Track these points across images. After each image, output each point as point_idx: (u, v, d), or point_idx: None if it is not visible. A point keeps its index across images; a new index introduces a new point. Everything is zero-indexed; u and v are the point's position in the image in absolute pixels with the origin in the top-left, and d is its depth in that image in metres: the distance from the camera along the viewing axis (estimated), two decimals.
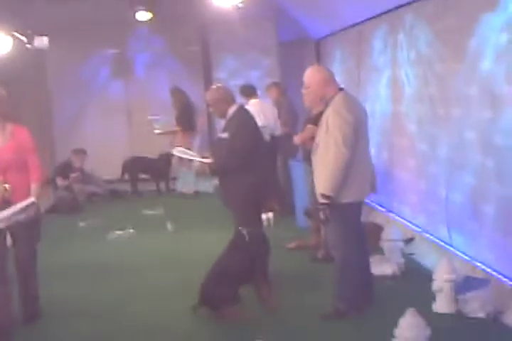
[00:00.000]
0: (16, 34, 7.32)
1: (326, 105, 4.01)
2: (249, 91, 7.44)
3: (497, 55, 4.12)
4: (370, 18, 6.77)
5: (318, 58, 9.61)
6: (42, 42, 7.65)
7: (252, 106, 7.02)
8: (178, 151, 5.05)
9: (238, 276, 4.22)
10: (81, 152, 9.10)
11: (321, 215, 3.88)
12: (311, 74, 4.08)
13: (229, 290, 4.15)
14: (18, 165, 4.11)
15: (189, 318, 4.21)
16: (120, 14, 8.86)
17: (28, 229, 4.09)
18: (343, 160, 3.80)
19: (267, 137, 6.91)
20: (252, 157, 4.57)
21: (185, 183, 8.95)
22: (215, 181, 5.06)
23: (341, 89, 4.06)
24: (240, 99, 7.05)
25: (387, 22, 6.34)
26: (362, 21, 7.06)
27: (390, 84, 6.36)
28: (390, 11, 6.13)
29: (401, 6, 5.78)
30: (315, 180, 4.07)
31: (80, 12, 8.80)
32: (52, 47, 8.37)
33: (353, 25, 7.45)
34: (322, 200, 3.87)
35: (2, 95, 4.19)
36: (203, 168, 4.75)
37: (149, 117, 9.97)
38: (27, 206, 3.93)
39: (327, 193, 3.84)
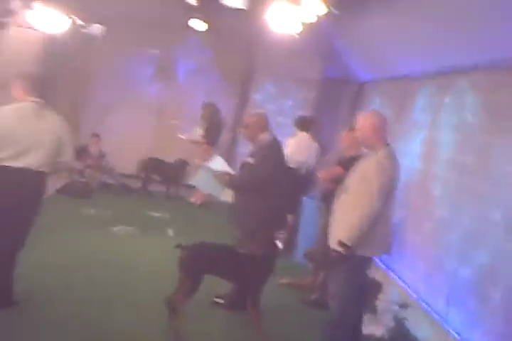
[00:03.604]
0: (73, 17, 7.38)
1: (367, 154, 3.96)
2: (304, 125, 7.33)
3: None
4: (420, 74, 6.75)
5: (357, 101, 9.61)
6: (97, 29, 7.72)
7: (302, 140, 7.09)
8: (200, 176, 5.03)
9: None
10: (94, 136, 9.14)
11: (332, 262, 3.80)
12: (364, 119, 3.99)
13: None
14: None
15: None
16: (174, 17, 8.92)
17: None
18: (373, 213, 3.71)
19: (303, 171, 6.95)
20: (271, 186, 4.66)
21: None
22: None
23: (388, 145, 3.97)
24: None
25: (436, 82, 6.31)
26: (410, 74, 7.03)
27: (424, 143, 6.30)
28: (441, 72, 6.11)
29: (454, 70, 5.76)
30: (333, 224, 3.96)
31: (136, 7, 8.84)
32: (105, 37, 8.44)
33: (401, 77, 7.43)
34: (338, 248, 3.76)
35: None
36: (223, 178, 4.81)
37: (175, 121, 10.01)
38: None
39: (347, 243, 3.73)
